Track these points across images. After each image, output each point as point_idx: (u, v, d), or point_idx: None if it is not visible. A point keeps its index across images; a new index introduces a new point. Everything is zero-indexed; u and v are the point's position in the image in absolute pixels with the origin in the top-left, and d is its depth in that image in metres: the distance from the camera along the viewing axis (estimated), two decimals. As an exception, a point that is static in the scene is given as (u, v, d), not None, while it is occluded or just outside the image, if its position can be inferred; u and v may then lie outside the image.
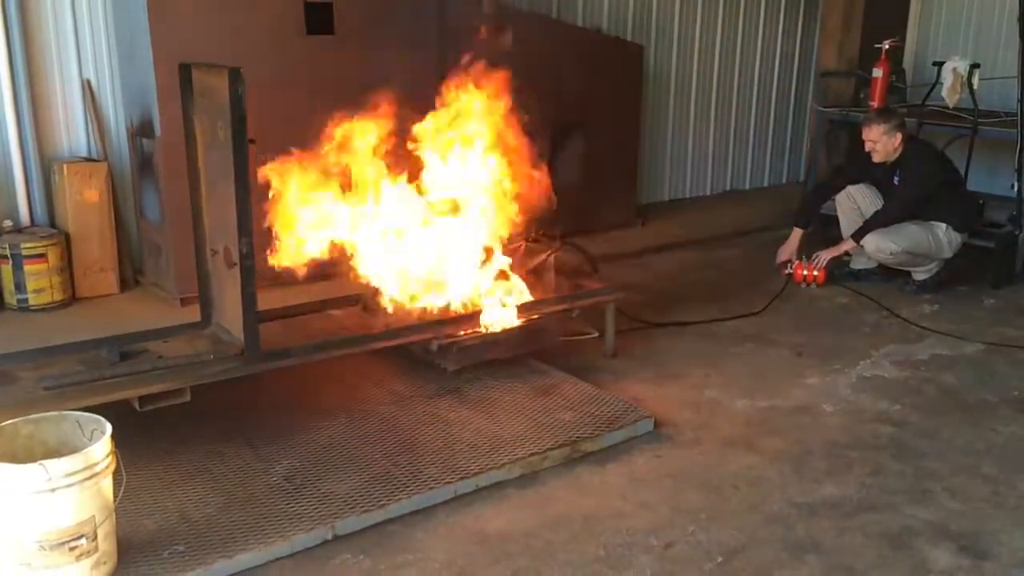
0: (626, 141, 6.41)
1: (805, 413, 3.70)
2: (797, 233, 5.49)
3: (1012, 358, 4.29)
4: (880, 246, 5.07)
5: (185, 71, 3.33)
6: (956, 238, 5.13)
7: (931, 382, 4.01)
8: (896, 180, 5.13)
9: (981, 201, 5.57)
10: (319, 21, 4.77)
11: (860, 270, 5.45)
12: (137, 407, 2.96)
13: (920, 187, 5.07)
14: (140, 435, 3.07)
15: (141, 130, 4.74)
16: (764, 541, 2.79)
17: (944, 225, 5.10)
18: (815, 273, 5.32)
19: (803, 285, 5.32)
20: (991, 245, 5.38)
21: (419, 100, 3.86)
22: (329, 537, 2.73)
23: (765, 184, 8.18)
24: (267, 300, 4.14)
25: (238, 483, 2.97)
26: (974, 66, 5.84)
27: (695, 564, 2.66)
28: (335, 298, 4.12)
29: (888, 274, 5.37)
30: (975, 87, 5.79)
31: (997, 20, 6.76)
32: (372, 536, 2.76)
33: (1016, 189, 5.39)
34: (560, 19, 6.15)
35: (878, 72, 6.10)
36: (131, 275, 5.01)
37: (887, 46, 5.92)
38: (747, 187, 8.04)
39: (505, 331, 3.74)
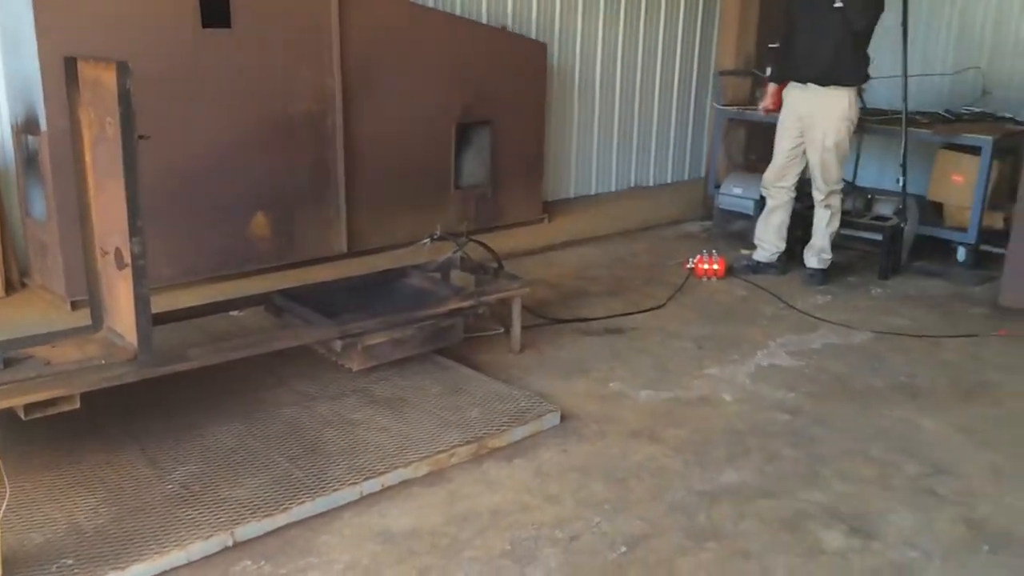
0: (531, 138, 6.45)
1: (706, 403, 3.79)
2: (773, 90, 5.62)
3: (898, 345, 4.49)
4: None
5: (71, 64, 3.18)
6: (857, 112, 5.24)
7: (824, 370, 4.16)
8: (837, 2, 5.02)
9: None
10: (215, 14, 4.64)
11: (759, 263, 5.62)
12: (22, 416, 2.82)
13: (869, 20, 5.04)
14: (26, 445, 2.93)
15: (26, 126, 4.53)
16: (667, 529, 2.84)
17: (853, 93, 5.17)
18: (715, 267, 5.47)
19: (704, 279, 5.46)
20: (879, 238, 5.62)
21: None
22: (229, 544, 2.66)
23: (669, 180, 8.35)
24: (164, 301, 4.05)
25: (132, 492, 2.87)
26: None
27: (600, 555, 2.70)
28: (237, 298, 4.03)
29: (786, 266, 5.57)
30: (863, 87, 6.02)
31: (883, 22, 7.04)
32: (274, 541, 2.70)
33: (901, 184, 5.64)
34: (464, 16, 6.14)
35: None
36: (17, 277, 4.79)
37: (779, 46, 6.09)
38: (651, 183, 8.19)
39: (411, 329, 3.71)
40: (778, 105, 5.53)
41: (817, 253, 5.47)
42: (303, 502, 2.83)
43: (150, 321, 3.06)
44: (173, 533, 2.64)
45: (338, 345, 3.53)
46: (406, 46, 5.51)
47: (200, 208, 4.82)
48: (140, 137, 2.92)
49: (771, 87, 5.60)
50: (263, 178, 5.02)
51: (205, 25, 4.63)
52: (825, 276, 5.46)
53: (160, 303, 3.96)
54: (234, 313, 4.10)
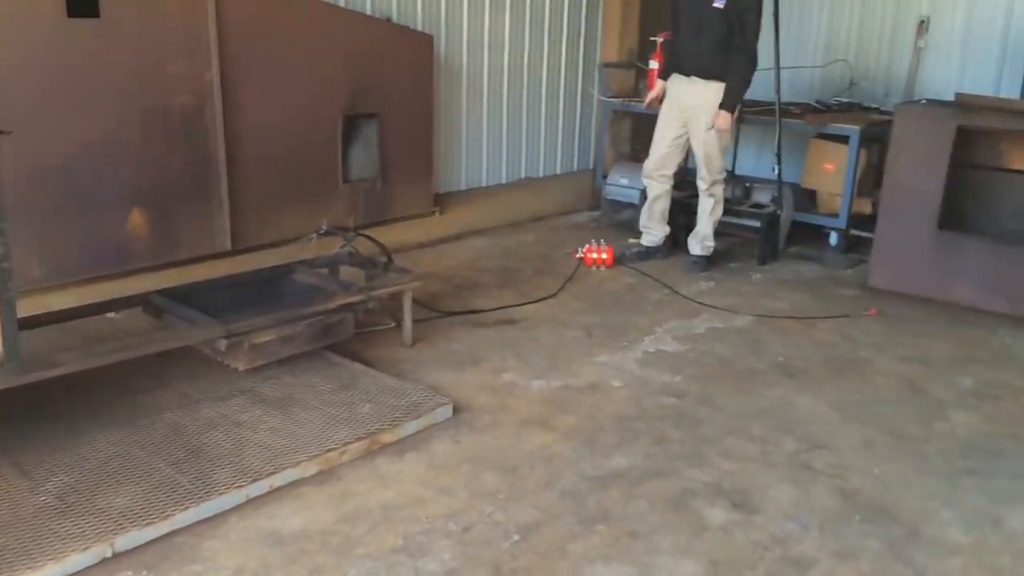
0: (420, 131, 6.42)
1: (596, 390, 3.86)
2: (660, 84, 5.69)
3: (776, 327, 4.68)
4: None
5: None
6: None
7: (707, 353, 4.30)
8: (716, 3, 5.16)
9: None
10: (81, 2, 4.42)
11: (648, 248, 5.77)
12: None
13: (757, 17, 5.17)
14: None
15: None
16: (558, 516, 2.89)
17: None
18: (604, 256, 5.57)
19: (593, 268, 5.55)
20: (757, 225, 5.84)
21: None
22: (108, 555, 2.56)
23: (558, 172, 8.45)
24: (35, 304, 3.86)
25: (2, 506, 2.72)
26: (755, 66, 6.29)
27: (493, 544, 2.72)
28: (114, 299, 3.87)
29: (670, 251, 5.76)
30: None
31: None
32: (157, 549, 2.62)
33: (777, 172, 5.87)
34: (348, 8, 6.05)
35: (654, 64, 6.41)
36: None
37: (661, 39, 6.25)
38: (541, 175, 8.27)
39: (299, 326, 3.64)
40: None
41: (701, 240, 5.64)
42: (187, 508, 2.74)
43: (16, 326, 2.91)
44: (48, 547, 2.52)
45: (223, 345, 3.43)
46: (288, 38, 5.39)
47: (72, 206, 4.60)
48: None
49: (658, 83, 5.72)
50: (139, 174, 4.83)
51: (71, 14, 4.40)
52: (708, 263, 5.65)
53: (31, 306, 3.79)
54: (111, 315, 3.94)
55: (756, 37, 5.22)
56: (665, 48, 5.65)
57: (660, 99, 5.67)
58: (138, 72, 4.72)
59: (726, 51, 5.21)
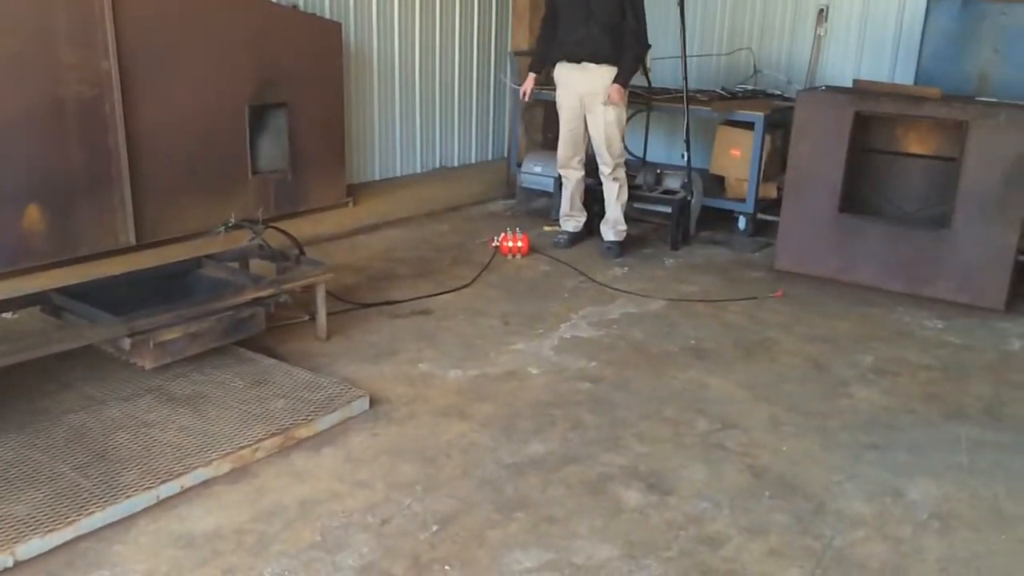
0: (331, 120, 6.32)
1: (513, 377, 3.88)
2: (532, 77, 5.72)
3: (688, 311, 4.79)
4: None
5: None
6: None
7: (622, 338, 4.37)
8: None
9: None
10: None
11: (573, 234, 5.85)
12: None
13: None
14: None
15: None
16: (477, 504, 2.90)
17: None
18: (519, 245, 5.59)
19: (509, 256, 5.57)
20: (668, 210, 5.94)
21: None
22: (9, 564, 2.45)
23: (473, 161, 8.43)
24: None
25: None
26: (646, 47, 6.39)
27: (411, 535, 2.71)
28: (10, 299, 3.70)
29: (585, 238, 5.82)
30: (649, 67, 6.32)
31: (666, 5, 7.41)
32: (61, 556, 2.52)
33: (686, 159, 5.98)
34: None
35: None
36: None
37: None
38: (456, 164, 8.25)
39: (207, 322, 3.55)
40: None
41: (613, 226, 5.72)
42: (92, 512, 2.65)
43: (-99, 329, 2.76)
44: (-58, 560, 2.41)
45: (127, 343, 3.32)
46: (191, 26, 5.23)
47: (-39, 202, 4.38)
48: None
49: (531, 76, 5.74)
50: (33, 167, 4.62)
51: (-46, 0, 4.19)
52: (622, 248, 5.73)
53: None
54: (8, 315, 3.76)
55: (644, 19, 5.37)
56: (540, 40, 5.67)
57: (530, 92, 5.74)
58: (30, 60, 4.52)
59: (618, 35, 5.32)
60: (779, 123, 6.24)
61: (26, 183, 4.60)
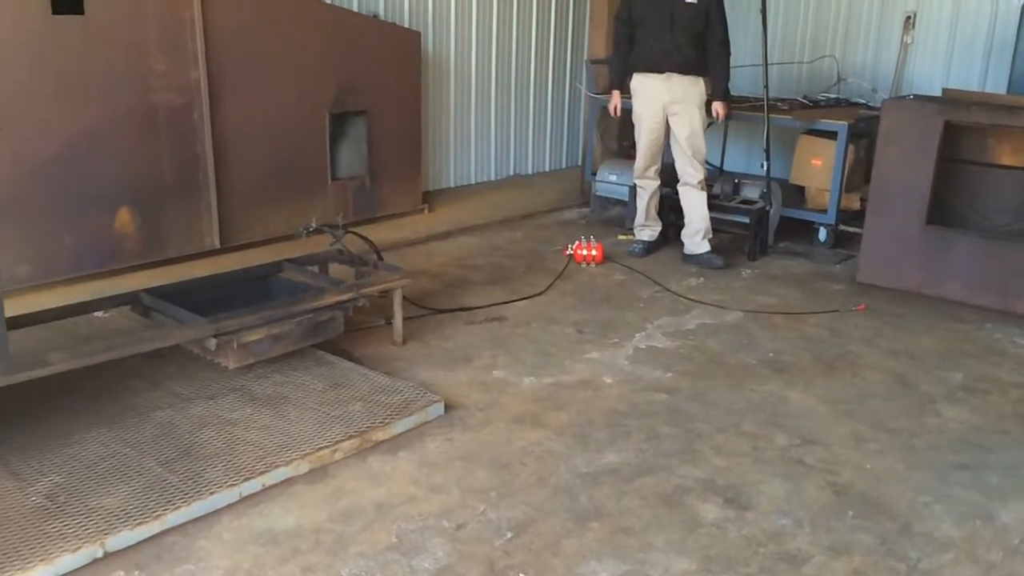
0: (409, 128, 6.40)
1: (587, 386, 3.86)
2: (616, 94, 5.75)
3: (766, 323, 4.70)
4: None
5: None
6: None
7: (698, 349, 4.31)
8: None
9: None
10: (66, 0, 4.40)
11: (648, 243, 5.80)
12: None
13: (724, 7, 5.36)
14: None
15: None
16: (551, 513, 2.88)
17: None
18: (593, 253, 5.57)
19: (583, 265, 5.55)
20: (747, 220, 5.85)
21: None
22: (100, 555, 2.54)
23: (547, 169, 8.45)
24: (22, 303, 3.83)
25: (-9, 507, 2.71)
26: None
27: (486, 542, 2.71)
28: (102, 298, 3.84)
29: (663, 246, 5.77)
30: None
31: (746, 12, 7.32)
32: (149, 549, 2.60)
33: (765, 168, 5.88)
34: (335, 5, 6.03)
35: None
36: None
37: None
38: (530, 172, 8.27)
39: (288, 324, 3.63)
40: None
41: (705, 234, 5.64)
42: (178, 507, 2.72)
43: (3, 325, 2.88)
44: (38, 547, 2.50)
45: (212, 343, 3.41)
46: (275, 36, 5.37)
47: (59, 203, 4.57)
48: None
49: (615, 93, 5.73)
50: (126, 172, 4.80)
51: (56, 11, 4.37)
52: (712, 254, 5.61)
53: (18, 305, 3.77)
54: (100, 314, 3.92)
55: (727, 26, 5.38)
56: (617, 54, 5.62)
57: (620, 107, 5.76)
58: (124, 70, 4.70)
59: (701, 44, 5.32)
60: (863, 133, 6.09)
61: (118, 187, 4.78)
